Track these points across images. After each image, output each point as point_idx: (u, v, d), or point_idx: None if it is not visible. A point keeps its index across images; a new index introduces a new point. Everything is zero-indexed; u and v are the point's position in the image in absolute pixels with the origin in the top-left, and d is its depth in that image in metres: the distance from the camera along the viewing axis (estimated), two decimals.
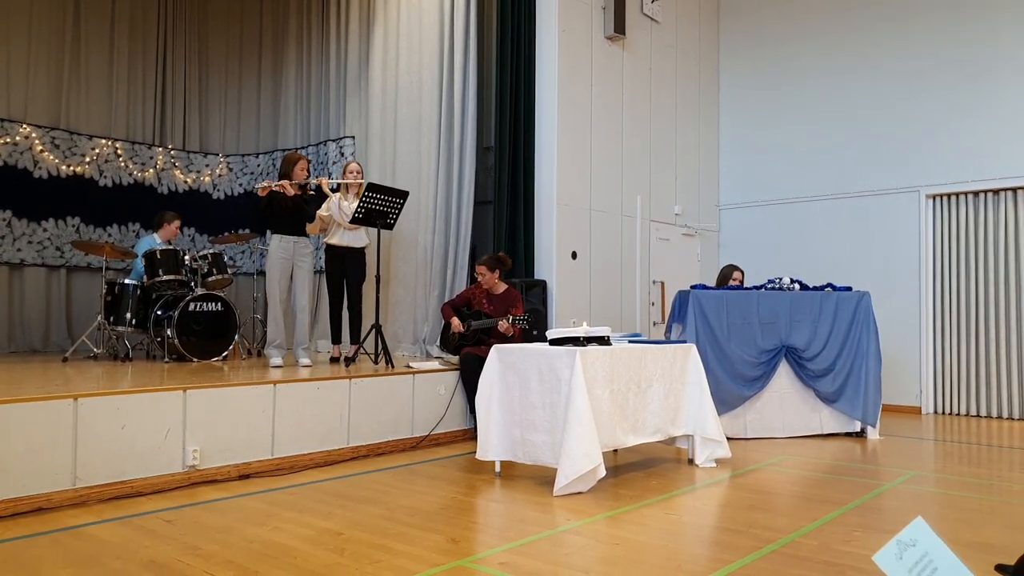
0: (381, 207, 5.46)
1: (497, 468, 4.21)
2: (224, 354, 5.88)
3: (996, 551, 2.83)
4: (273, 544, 2.89)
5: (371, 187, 5.40)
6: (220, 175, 8.69)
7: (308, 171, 5.49)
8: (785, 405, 5.50)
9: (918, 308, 7.16)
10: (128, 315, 5.91)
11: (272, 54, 8.70)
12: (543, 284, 6.46)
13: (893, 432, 5.85)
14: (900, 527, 1.56)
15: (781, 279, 5.74)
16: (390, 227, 5.69)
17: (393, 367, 5.24)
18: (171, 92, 8.47)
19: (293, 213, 5.33)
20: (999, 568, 2.23)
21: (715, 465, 4.44)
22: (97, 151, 7.75)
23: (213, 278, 6.11)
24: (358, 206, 5.40)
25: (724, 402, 5.22)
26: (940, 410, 7.08)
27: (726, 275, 6.24)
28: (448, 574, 2.56)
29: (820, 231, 7.82)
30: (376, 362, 5.38)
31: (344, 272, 5.80)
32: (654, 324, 7.56)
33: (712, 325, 5.34)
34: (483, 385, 4.14)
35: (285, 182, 5.29)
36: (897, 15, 7.46)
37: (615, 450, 4.72)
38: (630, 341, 4.56)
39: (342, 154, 7.59)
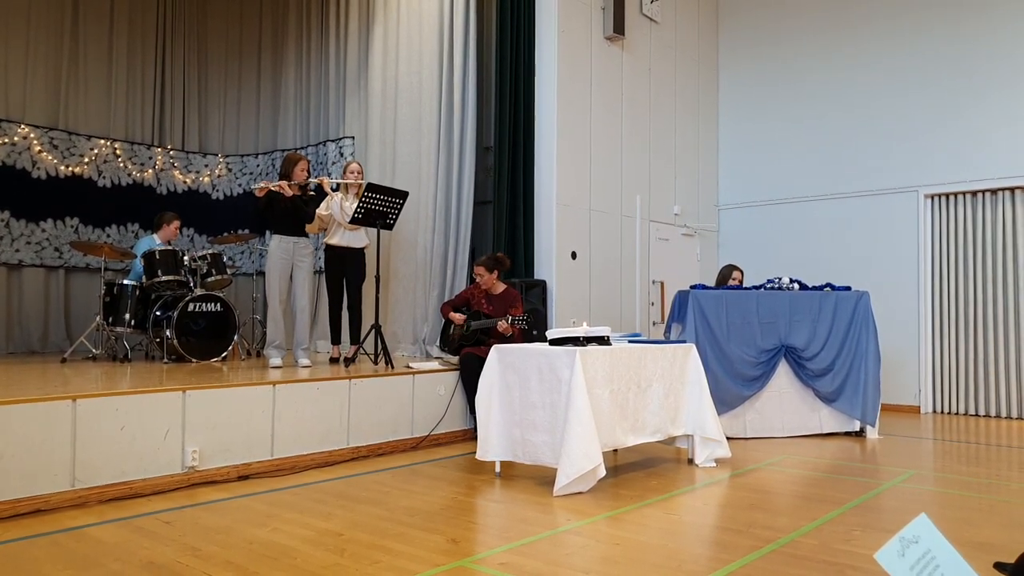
0: (380, 207, 5.46)
1: (497, 468, 4.21)
2: (223, 355, 5.86)
3: (995, 550, 2.83)
4: (273, 545, 2.88)
5: (370, 187, 5.39)
6: (219, 175, 8.68)
7: (308, 171, 5.49)
8: (784, 405, 5.50)
9: (917, 307, 7.16)
10: (127, 316, 5.90)
11: (271, 54, 8.69)
12: (543, 284, 6.46)
13: (892, 431, 5.85)
14: (900, 526, 1.56)
15: (780, 279, 5.74)
16: (390, 227, 5.69)
17: (393, 367, 5.24)
18: (170, 92, 8.45)
19: (292, 213, 5.33)
20: (998, 566, 2.22)
21: (715, 465, 4.44)
22: (96, 151, 7.74)
23: (212, 278, 6.10)
24: (357, 206, 5.40)
25: (724, 402, 5.22)
26: (939, 409, 7.09)
27: (725, 275, 6.24)
28: (448, 574, 2.56)
29: (819, 231, 7.82)
30: (376, 362, 5.38)
31: (344, 272, 5.79)
32: (654, 324, 7.56)
33: (712, 325, 5.34)
34: (483, 385, 4.13)
35: (283, 182, 5.28)
36: (894, 14, 7.46)
37: (615, 450, 4.71)
38: (630, 341, 4.56)
39: (341, 154, 7.58)
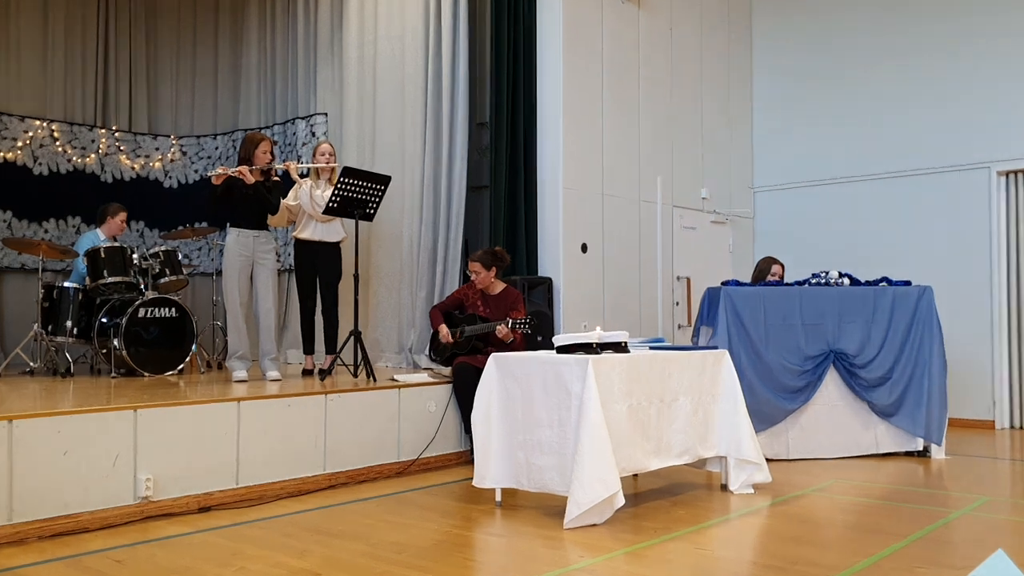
0: (358, 195, 5.49)
1: (498, 497, 4.23)
2: (180, 367, 5.91)
3: None
4: None
5: (346, 171, 5.43)
6: (172, 160, 8.73)
7: (272, 154, 5.52)
8: (834, 420, 5.52)
9: (989, 305, 7.16)
10: (68, 323, 5.95)
11: (230, 19, 8.73)
12: (548, 282, 6.49)
13: (962, 451, 5.86)
14: (972, 563, 1.57)
15: (828, 273, 5.76)
16: (370, 218, 5.73)
17: (375, 380, 5.27)
18: (114, 66, 8.48)
19: (254, 203, 5.35)
20: None
21: (752, 491, 4.45)
22: (31, 134, 7.79)
23: (166, 279, 6.14)
24: (332, 194, 5.43)
25: (762, 418, 5.23)
26: (1017, 424, 7.09)
27: (764, 269, 6.27)
28: None
29: (873, 216, 7.82)
30: (356, 375, 5.41)
31: (317, 271, 5.83)
32: (679, 327, 7.59)
33: (747, 328, 5.36)
34: (480, 400, 4.16)
35: (244, 168, 5.29)
36: None
37: (635, 475, 4.74)
38: (651, 348, 4.58)
39: (313, 134, 7.62)
